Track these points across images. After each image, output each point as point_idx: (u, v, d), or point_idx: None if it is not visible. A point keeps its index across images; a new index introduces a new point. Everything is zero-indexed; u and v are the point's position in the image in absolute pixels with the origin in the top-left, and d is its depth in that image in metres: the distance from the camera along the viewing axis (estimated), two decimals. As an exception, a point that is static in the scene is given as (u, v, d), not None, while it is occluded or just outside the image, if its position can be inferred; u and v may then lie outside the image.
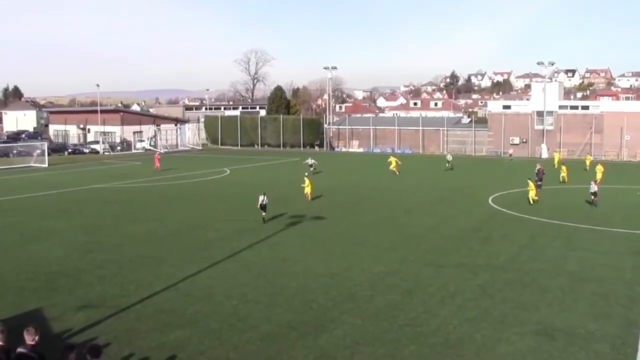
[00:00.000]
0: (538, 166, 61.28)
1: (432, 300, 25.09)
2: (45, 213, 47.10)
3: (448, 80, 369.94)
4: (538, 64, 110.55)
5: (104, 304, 24.86)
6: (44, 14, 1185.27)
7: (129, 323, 22.57)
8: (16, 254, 33.87)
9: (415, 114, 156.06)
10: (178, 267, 30.32)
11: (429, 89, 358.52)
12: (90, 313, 23.59)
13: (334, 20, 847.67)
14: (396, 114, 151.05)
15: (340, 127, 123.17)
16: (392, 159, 75.27)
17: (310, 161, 76.34)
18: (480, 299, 25.21)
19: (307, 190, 52.32)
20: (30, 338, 13.99)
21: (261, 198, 41.78)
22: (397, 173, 72.15)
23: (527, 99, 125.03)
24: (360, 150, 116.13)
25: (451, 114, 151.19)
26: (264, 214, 41.71)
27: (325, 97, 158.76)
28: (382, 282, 27.73)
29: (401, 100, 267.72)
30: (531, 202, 48.42)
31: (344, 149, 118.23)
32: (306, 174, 54.60)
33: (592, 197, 48.27)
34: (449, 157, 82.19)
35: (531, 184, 49.82)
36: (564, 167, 64.67)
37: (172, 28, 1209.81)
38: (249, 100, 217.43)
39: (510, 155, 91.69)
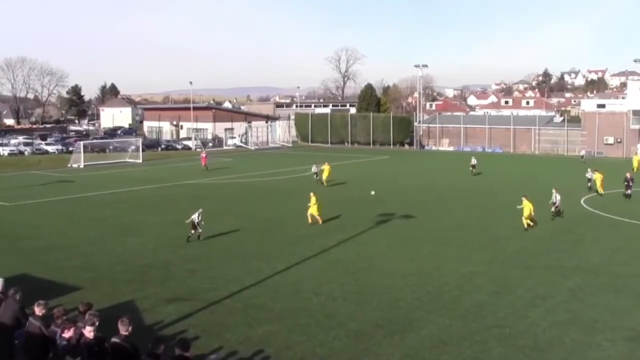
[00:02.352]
0: (590, 173, 56.57)
1: (521, 302, 24.78)
2: (139, 207, 48.35)
3: (540, 78, 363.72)
4: (635, 61, 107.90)
5: (194, 297, 25.39)
6: (140, 14, 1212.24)
7: (218, 316, 23.01)
8: (111, 245, 34.93)
9: (506, 112, 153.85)
10: (267, 263, 30.71)
11: (521, 87, 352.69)
12: (180, 306, 24.13)
13: (424, 18, 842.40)
14: (487, 113, 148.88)
15: (430, 125, 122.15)
16: (326, 167, 63.01)
17: (314, 169, 65.37)
18: (571, 302, 24.76)
19: (312, 210, 40.78)
20: (124, 329, 14.43)
21: (194, 215, 36.05)
22: (324, 184, 60.93)
23: (623, 98, 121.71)
24: (451, 149, 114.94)
25: (543, 113, 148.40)
26: (192, 232, 35.80)
27: (416, 95, 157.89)
28: (470, 283, 27.52)
29: (492, 98, 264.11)
30: (525, 226, 38.73)
31: (434, 148, 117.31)
32: (311, 193, 41.84)
33: (552, 208, 42.78)
34: (474, 161, 72.73)
35: (526, 202, 39.30)
36: (598, 175, 54.28)
37: (264, 27, 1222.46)
38: (339, 98, 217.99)
39: (582, 156, 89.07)
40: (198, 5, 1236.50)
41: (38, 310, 15.85)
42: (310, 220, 40.56)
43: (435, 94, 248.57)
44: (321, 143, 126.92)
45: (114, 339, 14.43)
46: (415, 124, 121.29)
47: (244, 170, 76.29)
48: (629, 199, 50.83)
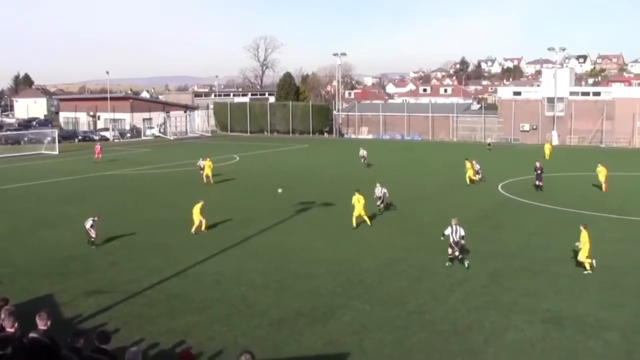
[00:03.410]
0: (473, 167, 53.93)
1: (441, 287, 25.17)
2: (56, 200, 47.35)
3: (458, 66, 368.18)
4: (549, 49, 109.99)
5: (114, 289, 25.04)
6: (53, 0, 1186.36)
7: (139, 308, 22.76)
8: (28, 239, 34.15)
9: (424, 100, 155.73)
10: (188, 254, 30.46)
11: (439, 75, 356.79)
12: (100, 298, 23.78)
13: (343, 6, 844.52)
14: (405, 101, 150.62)
15: (349, 113, 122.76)
16: (207, 163, 55.59)
17: (200, 162, 58.04)
18: (489, 286, 25.27)
19: (197, 217, 35.36)
20: (42, 323, 14.06)
21: (87, 224, 32.08)
22: (207, 182, 54.26)
23: (538, 85, 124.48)
24: (370, 136, 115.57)
25: (461, 101, 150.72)
26: (93, 237, 32.02)
27: (335, 83, 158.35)
28: (391, 269, 27.82)
29: (410, 86, 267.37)
30: (354, 224, 36.33)
31: (353, 136, 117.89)
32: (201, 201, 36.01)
33: (378, 202, 40.75)
34: (363, 152, 69.76)
35: (358, 197, 36.66)
36: (468, 164, 53.71)
37: (182, 15, 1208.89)
38: (258, 87, 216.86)
39: (489, 144, 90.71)
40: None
41: (-52, 309, 15.34)
42: (194, 230, 35.39)
43: (354, 82, 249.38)
44: (240, 132, 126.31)
45: (32, 334, 14.01)
46: (335, 112, 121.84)
47: (163, 160, 75.32)
48: (540, 190, 48.28)
